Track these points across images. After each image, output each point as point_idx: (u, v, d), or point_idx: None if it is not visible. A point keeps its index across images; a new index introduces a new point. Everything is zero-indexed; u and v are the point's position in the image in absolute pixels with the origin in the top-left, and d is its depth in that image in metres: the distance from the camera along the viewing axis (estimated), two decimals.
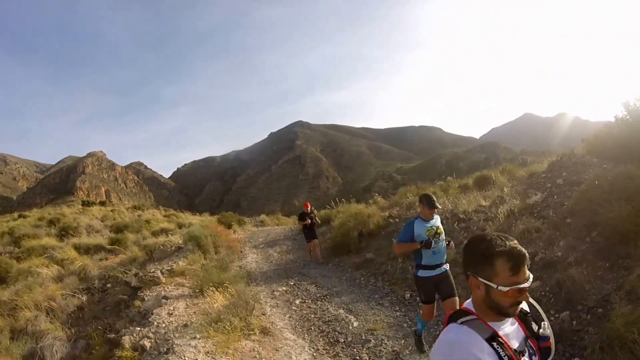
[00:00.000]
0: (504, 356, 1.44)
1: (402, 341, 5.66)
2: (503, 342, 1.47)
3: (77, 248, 12.51)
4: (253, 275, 10.14)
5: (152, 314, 6.68)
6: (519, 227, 6.95)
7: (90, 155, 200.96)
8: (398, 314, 6.71)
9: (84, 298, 8.70)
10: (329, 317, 6.80)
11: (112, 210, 29.27)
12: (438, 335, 1.57)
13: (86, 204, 36.95)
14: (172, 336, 5.63)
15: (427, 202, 4.96)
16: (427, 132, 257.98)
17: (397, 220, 11.07)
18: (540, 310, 1.82)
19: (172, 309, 6.83)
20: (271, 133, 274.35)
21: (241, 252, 13.37)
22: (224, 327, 5.62)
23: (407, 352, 5.30)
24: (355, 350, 5.51)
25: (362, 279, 9.01)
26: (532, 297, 4.71)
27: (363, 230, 11.43)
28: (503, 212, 7.99)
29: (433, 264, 4.94)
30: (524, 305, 1.68)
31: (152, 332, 5.95)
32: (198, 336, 5.50)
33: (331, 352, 5.51)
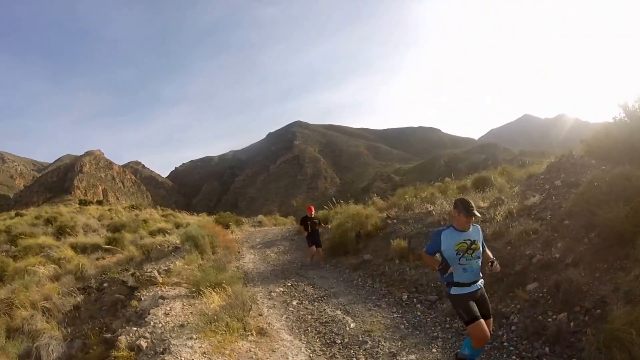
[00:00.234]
0: None
1: (399, 343, 5.63)
2: None
3: (74, 247, 12.49)
4: (250, 276, 10.11)
5: (148, 314, 6.66)
6: (517, 229, 6.95)
7: (88, 154, 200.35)
8: (395, 315, 6.69)
9: (81, 297, 8.67)
10: (326, 318, 6.77)
11: (109, 210, 29.27)
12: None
13: (83, 203, 36.91)
14: (168, 336, 5.62)
15: (464, 208, 4.27)
16: (426, 133, 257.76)
17: (395, 221, 11.06)
18: None
19: (168, 309, 6.82)
20: (269, 133, 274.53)
21: (238, 252, 13.34)
22: (220, 327, 5.59)
23: (404, 354, 5.28)
24: (352, 351, 5.48)
25: (359, 280, 8.99)
26: (529, 299, 4.73)
27: (361, 231, 11.42)
28: (501, 213, 7.99)
29: (465, 282, 4.31)
30: None
31: (148, 332, 5.93)
32: (194, 336, 5.48)
33: (328, 353, 5.48)
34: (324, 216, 15.94)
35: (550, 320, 5.04)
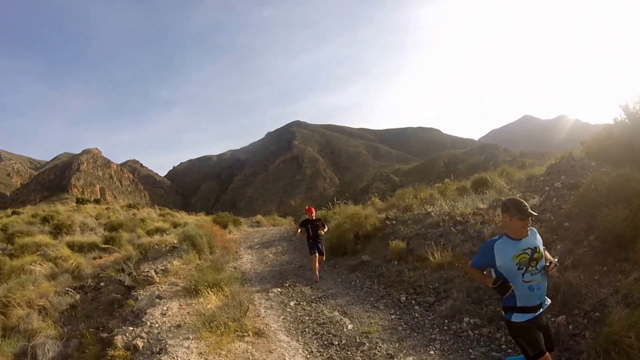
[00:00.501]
0: None
1: (397, 344, 5.61)
2: None
3: (70, 246, 12.48)
4: (248, 276, 10.08)
5: (145, 313, 6.63)
6: None
7: (85, 152, 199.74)
8: (393, 317, 6.66)
9: (77, 296, 8.66)
10: (323, 319, 6.75)
11: (106, 209, 29.20)
12: None
13: (80, 201, 36.80)
14: (165, 336, 5.59)
15: (517, 210, 3.54)
16: (426, 133, 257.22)
17: (393, 222, 11.04)
18: None
19: (165, 309, 6.79)
20: (268, 133, 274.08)
21: (236, 252, 13.32)
22: (217, 328, 5.57)
23: (402, 356, 5.25)
24: (349, 353, 5.46)
25: (357, 281, 8.97)
26: None
27: (359, 232, 11.39)
28: (500, 214, 7.97)
29: (532, 305, 3.54)
30: None
31: (145, 332, 5.91)
32: (191, 337, 5.46)
33: (325, 354, 5.46)
34: (322, 216, 15.90)
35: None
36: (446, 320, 6.19)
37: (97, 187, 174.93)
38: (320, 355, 5.45)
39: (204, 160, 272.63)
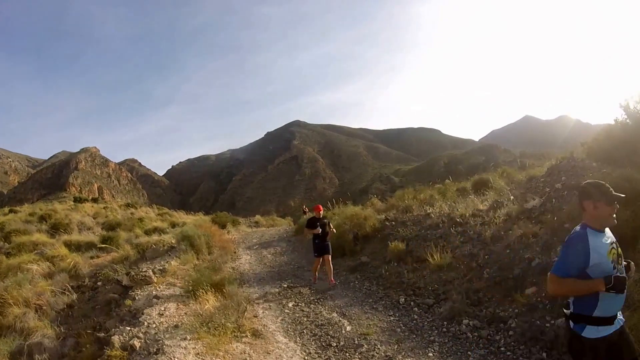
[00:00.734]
0: None
1: (395, 346, 5.58)
2: None
3: (68, 245, 12.41)
4: (246, 277, 10.06)
5: (142, 313, 6.60)
6: (516, 232, 6.92)
7: (83, 150, 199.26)
8: (392, 318, 6.63)
9: (74, 296, 8.61)
10: (321, 320, 6.73)
11: (104, 208, 29.15)
12: None
13: (78, 200, 36.77)
14: (162, 336, 5.56)
15: (603, 193, 2.89)
16: (426, 134, 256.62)
17: (393, 223, 11.01)
18: None
19: (163, 309, 6.76)
20: (268, 132, 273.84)
21: (235, 253, 13.30)
22: (215, 328, 5.56)
23: (400, 358, 5.23)
24: (347, 354, 5.43)
25: (356, 282, 8.94)
26: (528, 303, 4.62)
27: (358, 233, 11.36)
28: (500, 216, 7.96)
29: (609, 315, 2.80)
30: None
31: (142, 332, 5.87)
32: (188, 337, 5.43)
33: (323, 356, 5.44)
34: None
35: (548, 325, 5.00)
36: (445, 322, 6.17)
37: (95, 186, 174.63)
38: (318, 356, 5.43)
39: (203, 159, 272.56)
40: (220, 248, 12.15)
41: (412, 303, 7.14)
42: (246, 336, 5.80)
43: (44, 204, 33.82)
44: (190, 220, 21.01)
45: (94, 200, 43.58)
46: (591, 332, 2.76)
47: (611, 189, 2.91)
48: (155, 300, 7.20)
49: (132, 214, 25.66)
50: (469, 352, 5.26)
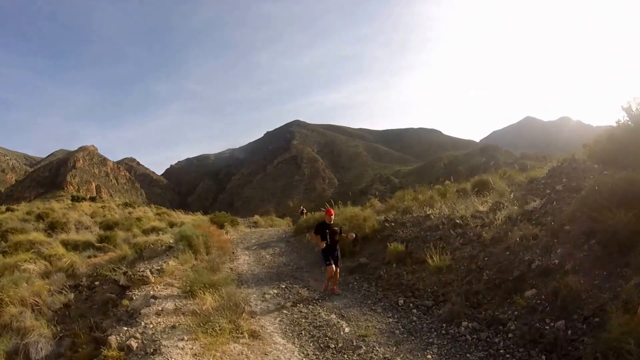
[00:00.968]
0: None
1: (394, 348, 5.57)
2: None
3: (65, 244, 12.38)
4: (244, 277, 10.02)
5: (139, 313, 6.58)
6: (516, 234, 6.91)
7: (81, 149, 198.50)
8: (391, 320, 6.61)
9: (71, 295, 8.58)
10: (320, 321, 6.70)
11: (102, 207, 29.18)
12: None
13: (76, 199, 36.80)
14: (159, 337, 5.54)
15: None
16: (427, 134, 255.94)
17: (392, 224, 10.97)
18: None
19: (160, 309, 6.73)
20: (267, 132, 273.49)
21: (233, 253, 13.24)
22: (212, 329, 5.54)
23: (399, 359, 5.21)
24: (345, 356, 5.42)
25: (355, 283, 8.91)
26: (527, 305, 4.61)
27: (358, 234, 11.32)
28: (501, 218, 7.94)
29: None
30: None
31: (139, 332, 5.86)
32: (186, 338, 5.41)
33: (321, 357, 5.43)
34: (320, 218, 15.77)
35: (547, 327, 4.99)
36: (444, 324, 6.15)
37: (93, 184, 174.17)
38: (316, 358, 5.41)
39: (202, 159, 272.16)
40: (219, 248, 12.08)
41: (411, 305, 7.12)
42: (244, 337, 5.77)
43: (41, 203, 33.85)
44: (188, 220, 20.98)
45: (92, 199, 43.58)
46: None
47: None
48: (152, 300, 7.17)
49: (130, 213, 25.63)
50: (468, 355, 5.25)
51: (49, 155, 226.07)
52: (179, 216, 27.49)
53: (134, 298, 7.56)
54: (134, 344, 5.44)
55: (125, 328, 6.09)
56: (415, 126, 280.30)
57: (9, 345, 6.47)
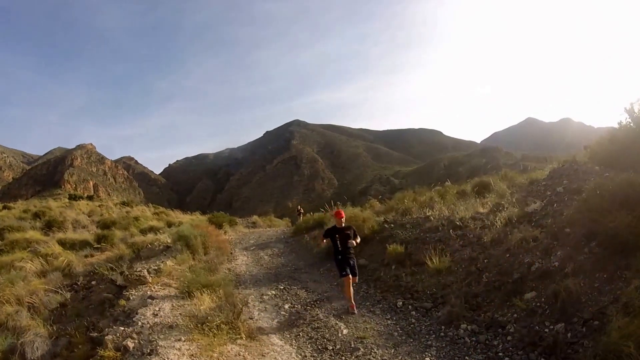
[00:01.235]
0: None
1: (392, 350, 5.56)
2: None
3: (62, 243, 12.33)
4: (242, 278, 9.98)
5: (136, 313, 6.53)
6: (517, 236, 6.88)
7: (79, 147, 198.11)
8: (389, 322, 6.59)
9: (68, 295, 8.54)
10: (318, 323, 6.68)
11: (99, 206, 29.13)
12: None
13: (73, 197, 36.75)
14: (156, 337, 5.50)
15: None
16: (427, 135, 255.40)
17: (392, 225, 10.93)
18: None
19: (157, 309, 6.68)
20: (267, 131, 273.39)
21: (231, 253, 13.21)
22: (209, 330, 5.51)
23: None
24: (343, 358, 5.41)
25: (353, 285, 8.85)
26: (526, 308, 4.58)
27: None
28: (501, 219, 7.91)
29: None
30: None
31: (135, 333, 5.81)
32: (183, 338, 5.38)
33: (319, 359, 5.41)
34: (319, 218, 15.74)
35: (547, 330, 4.97)
36: (443, 327, 6.13)
37: (91, 183, 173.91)
38: None
39: (201, 158, 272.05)
40: (217, 248, 12.03)
41: (409, 307, 7.10)
42: (241, 338, 5.74)
43: (38, 201, 33.75)
44: (186, 220, 20.93)
45: (89, 197, 43.52)
46: None
47: None
48: (149, 300, 7.13)
49: (127, 212, 25.55)
50: (467, 357, 5.24)
51: (46, 153, 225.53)
52: (177, 216, 27.46)
53: (131, 298, 7.50)
54: (130, 344, 5.39)
55: (122, 328, 6.03)
56: (416, 126, 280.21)
57: (5, 344, 6.44)
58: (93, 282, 9.05)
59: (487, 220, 8.41)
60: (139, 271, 8.63)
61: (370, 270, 9.35)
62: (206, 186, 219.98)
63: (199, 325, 5.62)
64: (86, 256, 11.34)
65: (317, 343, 5.90)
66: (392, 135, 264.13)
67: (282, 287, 8.97)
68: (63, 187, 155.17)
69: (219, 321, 5.68)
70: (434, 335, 5.95)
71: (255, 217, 27.95)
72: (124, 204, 34.14)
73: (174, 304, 6.99)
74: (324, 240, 7.99)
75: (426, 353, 5.43)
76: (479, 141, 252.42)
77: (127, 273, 8.61)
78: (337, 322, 6.65)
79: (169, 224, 18.61)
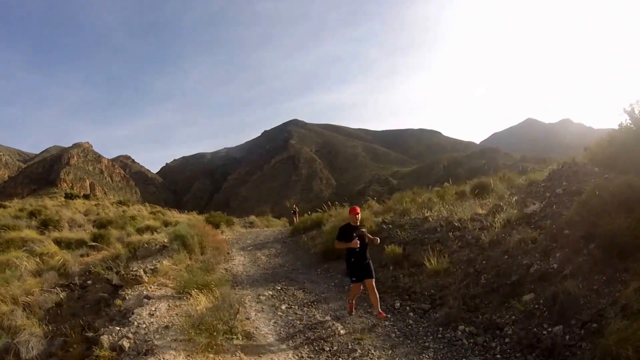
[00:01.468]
0: None
1: (390, 352, 5.53)
2: None
3: (58, 242, 12.26)
4: (239, 278, 9.96)
5: (132, 313, 6.52)
6: (515, 237, 6.88)
7: (76, 146, 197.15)
8: (387, 323, 6.56)
9: (63, 294, 8.49)
10: (315, 324, 6.66)
11: (96, 205, 29.08)
12: None
13: (69, 196, 36.63)
14: (152, 337, 5.49)
15: None
16: (426, 136, 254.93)
17: (390, 226, 10.92)
18: None
19: (153, 309, 6.68)
20: (265, 131, 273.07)
21: (228, 253, 13.18)
22: (206, 330, 5.47)
23: None
24: (340, 359, 5.38)
25: (351, 285, 8.82)
26: (525, 310, 4.57)
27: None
28: (499, 221, 7.90)
29: None
30: None
31: (131, 333, 5.81)
32: (179, 338, 5.37)
33: None
34: (317, 219, 15.71)
35: (545, 332, 4.95)
36: (441, 328, 6.11)
37: (87, 182, 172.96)
38: None
39: (198, 157, 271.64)
40: (214, 248, 12.00)
41: (407, 308, 7.08)
42: (238, 338, 5.73)
43: (34, 200, 33.62)
44: (183, 219, 20.89)
45: (86, 196, 43.39)
46: None
47: None
48: (146, 300, 7.12)
49: (124, 211, 25.51)
50: (464, 359, 5.21)
51: (42, 152, 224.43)
52: (173, 215, 27.39)
53: (127, 298, 7.48)
54: (126, 344, 5.38)
55: (118, 328, 6.02)
56: (415, 127, 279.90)
57: None
58: (89, 282, 9.01)
59: (485, 222, 8.39)
60: (135, 271, 8.61)
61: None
62: (203, 186, 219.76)
63: (196, 325, 5.56)
64: (82, 255, 11.28)
65: (314, 344, 5.86)
66: (390, 136, 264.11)
67: (279, 288, 8.94)
68: (59, 185, 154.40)
69: (215, 321, 5.64)
70: (431, 337, 5.93)
71: (252, 217, 27.96)
72: (120, 203, 34.08)
73: (171, 304, 6.99)
74: (341, 243, 6.84)
75: (424, 355, 5.40)
76: (478, 142, 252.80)
77: (123, 272, 8.59)
78: (334, 323, 6.62)
79: (166, 224, 18.56)
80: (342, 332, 6.24)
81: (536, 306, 5.38)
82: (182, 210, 38.20)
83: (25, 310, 7.64)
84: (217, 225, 18.21)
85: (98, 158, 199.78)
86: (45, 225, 16.22)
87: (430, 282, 7.54)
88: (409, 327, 6.35)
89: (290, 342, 6.00)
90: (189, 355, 4.97)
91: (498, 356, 5.08)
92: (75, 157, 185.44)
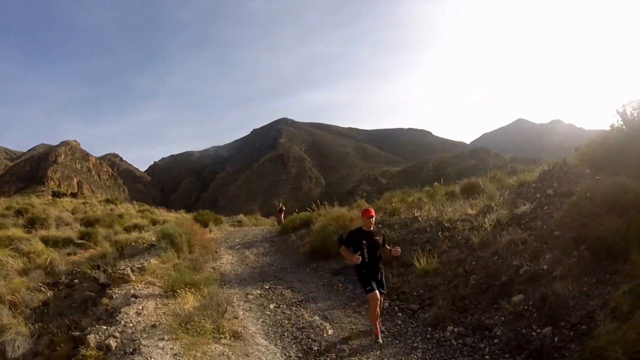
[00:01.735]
0: None
1: (378, 352, 5.53)
2: None
3: (44, 241, 12.17)
4: (227, 277, 9.90)
5: (119, 312, 6.49)
6: (505, 238, 6.89)
7: (63, 144, 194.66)
8: None
9: (50, 293, 8.51)
10: (303, 323, 6.63)
11: (83, 203, 28.85)
12: None
13: (57, 195, 36.23)
14: (139, 336, 5.47)
15: None
16: (416, 135, 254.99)
17: (379, 226, 10.91)
18: None
19: (140, 308, 6.65)
20: (254, 129, 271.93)
21: (216, 252, 13.10)
22: (193, 329, 5.47)
23: None
24: (328, 359, 5.39)
25: (339, 285, 8.80)
26: (514, 311, 4.58)
27: (344, 235, 11.22)
28: (489, 221, 7.92)
29: None
30: None
31: (118, 332, 5.80)
32: (166, 337, 5.35)
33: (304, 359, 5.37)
34: (306, 218, 15.66)
35: (534, 334, 4.95)
36: (429, 329, 6.11)
37: (75, 180, 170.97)
38: None
39: (186, 156, 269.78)
40: (202, 247, 11.91)
41: (396, 308, 7.07)
42: (225, 337, 5.70)
43: (21, 198, 33.19)
44: (171, 218, 20.80)
45: (73, 195, 42.96)
46: None
47: None
48: (133, 299, 7.07)
49: (111, 210, 25.35)
50: (453, 359, 5.20)
51: (29, 150, 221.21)
52: (161, 214, 27.29)
53: (114, 297, 7.45)
54: (113, 343, 5.37)
55: (105, 327, 6.00)
56: (405, 126, 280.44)
57: None
58: (76, 281, 9.00)
59: (475, 222, 8.41)
60: (122, 269, 8.56)
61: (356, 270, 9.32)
62: (192, 184, 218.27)
63: (183, 324, 5.57)
64: (69, 254, 11.23)
65: (302, 343, 5.85)
66: (380, 135, 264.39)
67: (267, 287, 8.89)
68: (46, 184, 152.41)
69: (203, 320, 5.64)
70: (420, 337, 5.92)
71: (241, 216, 27.89)
72: (108, 201, 33.74)
73: (158, 303, 6.95)
74: (346, 251, 5.99)
75: (412, 355, 5.40)
76: (468, 142, 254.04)
77: (111, 271, 8.54)
78: (322, 322, 6.60)
79: (154, 222, 18.51)
80: (330, 331, 6.23)
81: (525, 307, 5.39)
82: (170, 208, 38.04)
83: (12, 309, 7.64)
84: (205, 224, 18.12)
85: (86, 156, 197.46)
86: (32, 223, 16.16)
87: (419, 282, 7.54)
88: (398, 327, 6.34)
89: (279, 341, 5.97)
90: (176, 355, 4.94)
91: (487, 357, 5.07)
92: (62, 155, 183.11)
